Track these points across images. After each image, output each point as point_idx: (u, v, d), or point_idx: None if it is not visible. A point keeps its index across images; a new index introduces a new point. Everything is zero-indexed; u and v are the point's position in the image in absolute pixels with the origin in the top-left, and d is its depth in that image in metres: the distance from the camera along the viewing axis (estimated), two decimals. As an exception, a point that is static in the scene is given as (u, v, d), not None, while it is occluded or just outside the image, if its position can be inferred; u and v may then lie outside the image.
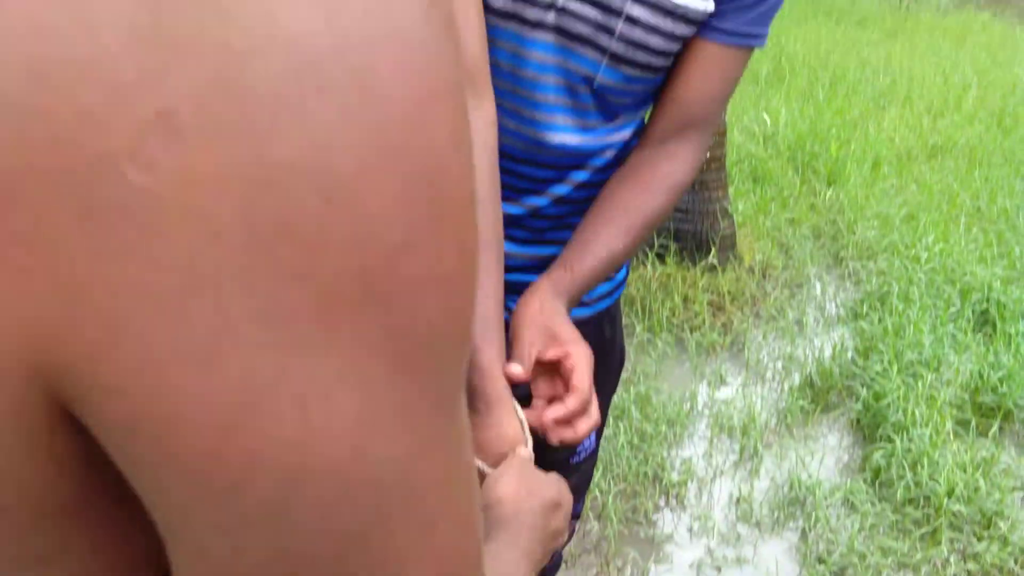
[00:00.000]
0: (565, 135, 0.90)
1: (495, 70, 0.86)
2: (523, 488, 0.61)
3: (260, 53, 0.17)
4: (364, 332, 0.20)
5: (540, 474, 0.65)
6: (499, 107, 0.87)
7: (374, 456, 0.21)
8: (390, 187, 0.19)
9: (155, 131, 0.17)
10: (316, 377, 0.19)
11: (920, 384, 2.57)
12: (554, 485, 0.64)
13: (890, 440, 2.38)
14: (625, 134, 0.96)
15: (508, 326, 0.78)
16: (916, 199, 4.09)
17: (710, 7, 0.85)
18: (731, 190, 3.83)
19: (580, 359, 0.75)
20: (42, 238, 0.17)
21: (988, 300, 3.11)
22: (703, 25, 0.86)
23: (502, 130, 0.88)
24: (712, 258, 3.31)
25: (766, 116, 5.06)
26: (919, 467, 2.27)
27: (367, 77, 0.18)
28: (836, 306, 3.27)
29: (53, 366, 0.19)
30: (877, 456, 2.34)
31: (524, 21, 0.84)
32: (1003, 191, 4.20)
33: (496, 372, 0.71)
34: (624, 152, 0.98)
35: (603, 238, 0.87)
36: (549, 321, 0.78)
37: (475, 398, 0.71)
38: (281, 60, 0.17)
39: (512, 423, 0.70)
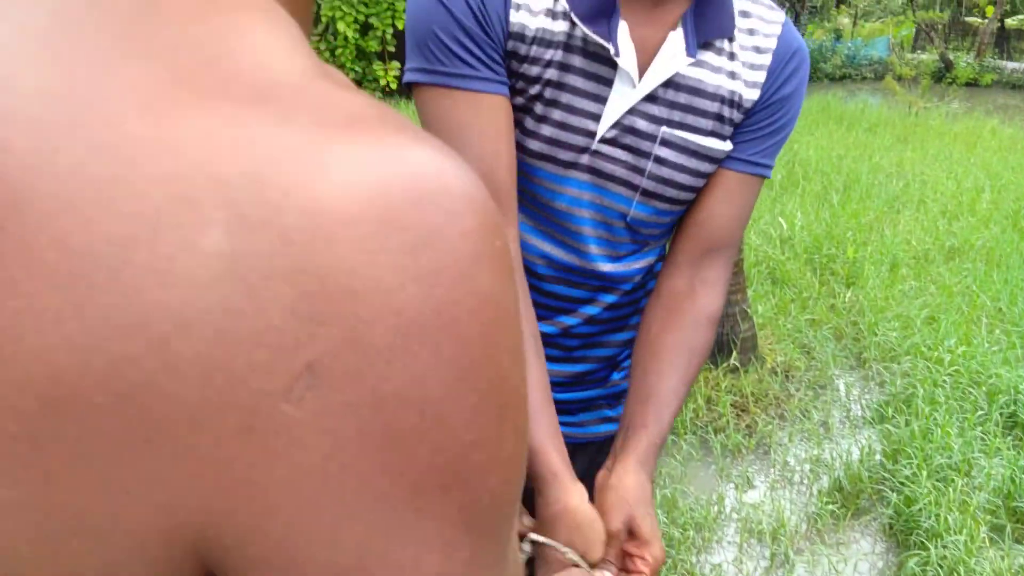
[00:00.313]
0: (598, 263, 0.95)
1: (533, 200, 0.92)
2: None
3: (379, 320, 0.24)
4: (444, 509, 0.26)
5: None
6: (537, 231, 0.94)
7: None
8: (467, 402, 0.26)
9: (303, 377, 0.23)
10: (409, 546, 0.26)
11: (951, 489, 2.53)
12: None
13: (924, 547, 2.33)
14: (651, 259, 1.01)
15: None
16: (936, 300, 4.11)
17: (729, 147, 0.92)
18: (750, 292, 3.89)
19: (653, 562, 0.80)
20: (210, 447, 0.24)
21: (1016, 403, 3.09)
22: (731, 157, 0.94)
23: (539, 253, 0.95)
24: (734, 360, 3.33)
25: (782, 220, 5.17)
26: (956, 575, 2.22)
27: (454, 329, 0.25)
28: (861, 408, 3.26)
29: (209, 542, 0.25)
30: (912, 564, 2.29)
31: (558, 162, 0.90)
32: (1023, 292, 4.22)
33: (547, 450, 0.76)
34: (648, 276, 1.03)
35: (669, 387, 0.90)
36: (634, 511, 0.82)
37: (531, 479, 0.75)
38: (393, 323, 0.24)
39: (576, 493, 0.76)
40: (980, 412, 3.03)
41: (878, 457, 2.84)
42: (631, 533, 0.81)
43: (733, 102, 0.90)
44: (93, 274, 0.23)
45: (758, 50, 0.91)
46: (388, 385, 0.24)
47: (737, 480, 2.76)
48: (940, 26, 26.33)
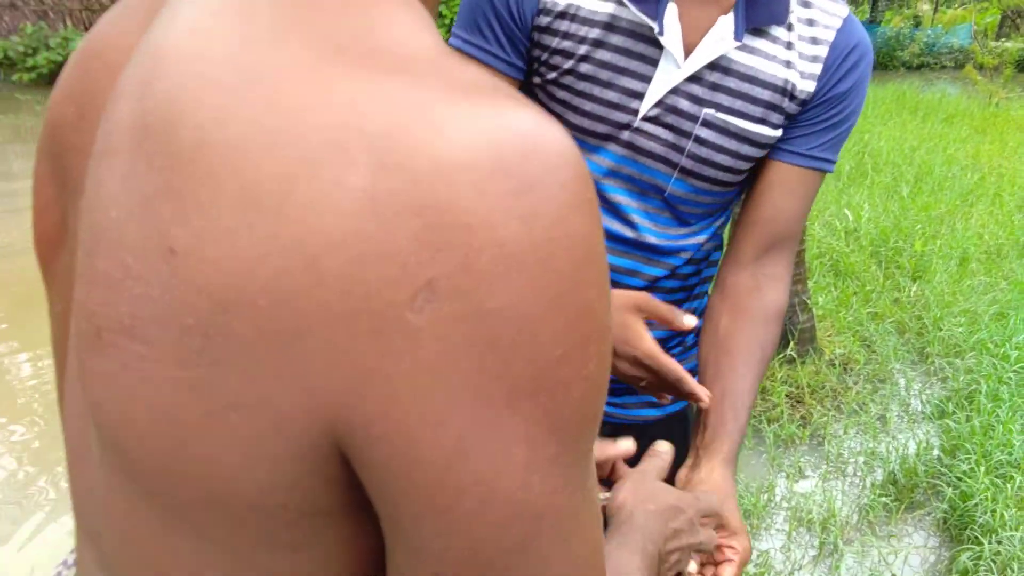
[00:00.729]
0: (645, 235, 0.98)
1: None
2: (638, 495, 0.70)
3: (486, 249, 0.28)
4: (532, 411, 0.30)
5: (659, 484, 0.73)
6: None
7: (534, 489, 0.31)
8: (558, 323, 0.30)
9: (424, 291, 0.28)
10: (501, 437, 0.30)
11: (1010, 486, 2.49)
12: (672, 493, 0.73)
13: (978, 542, 2.31)
14: (700, 239, 1.02)
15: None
16: (1006, 296, 4.00)
17: (778, 134, 0.93)
18: (811, 284, 3.85)
19: (743, 552, 0.82)
20: (347, 344, 0.29)
21: (1085, 402, 3.00)
22: (779, 149, 0.94)
23: None
24: (791, 351, 3.31)
25: (848, 212, 5.08)
26: (1009, 571, 2.19)
27: (549, 262, 0.29)
28: (921, 403, 3.21)
29: (341, 421, 0.30)
30: (964, 558, 2.27)
31: (596, 135, 0.93)
32: (1101, 290, 4.07)
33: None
34: (702, 260, 1.04)
35: (745, 386, 0.93)
36: (725, 506, 0.83)
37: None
38: (498, 252, 0.28)
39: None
40: (1046, 410, 2.96)
41: (936, 452, 2.81)
42: (720, 525, 0.82)
43: (787, 91, 0.91)
44: (263, 201, 0.29)
45: (815, 41, 0.92)
46: (491, 303, 0.28)
47: (789, 470, 2.76)
48: (1028, 12, 25.06)
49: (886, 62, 19.11)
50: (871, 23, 20.25)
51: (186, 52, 0.33)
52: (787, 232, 0.98)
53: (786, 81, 0.91)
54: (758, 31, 0.90)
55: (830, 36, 0.92)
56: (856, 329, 3.71)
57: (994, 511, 2.37)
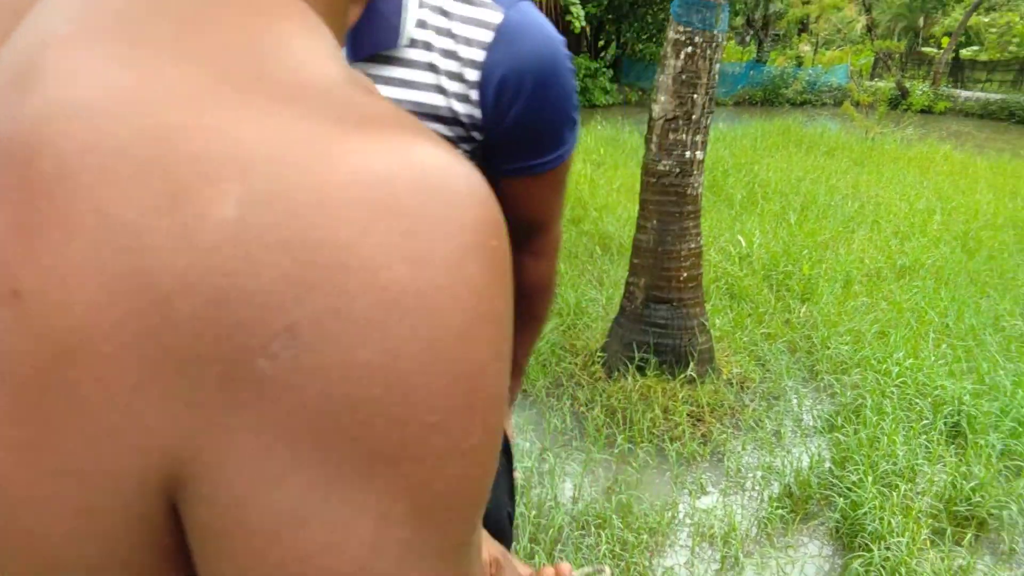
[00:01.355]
0: None
1: None
2: None
3: (363, 293, 0.25)
4: (390, 482, 0.27)
5: None
6: None
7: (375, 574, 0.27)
8: (437, 384, 0.27)
9: (282, 336, 0.25)
10: (347, 507, 0.26)
11: (895, 494, 2.62)
12: None
13: (868, 549, 2.42)
14: None
15: None
16: (887, 316, 4.25)
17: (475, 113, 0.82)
18: (708, 307, 3.98)
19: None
20: (191, 395, 0.26)
21: (959, 413, 3.21)
22: (496, 168, 0.88)
23: None
24: (691, 371, 3.41)
25: (741, 238, 5.30)
26: (897, 575, 2.30)
27: (436, 313, 0.26)
28: (812, 418, 3.35)
29: (176, 477, 0.27)
30: (856, 565, 2.36)
31: None
32: (969, 309, 4.38)
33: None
34: None
35: (521, 352, 0.97)
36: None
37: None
38: (376, 298, 0.26)
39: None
40: (925, 421, 3.14)
41: (827, 464, 2.93)
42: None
43: (454, 120, 0.81)
44: (119, 239, 0.26)
45: (458, 59, 0.79)
46: (360, 354, 0.25)
47: (691, 487, 2.83)
48: (897, 55, 27.07)
49: (772, 98, 20.19)
50: (758, 62, 21.38)
51: (60, 71, 0.30)
52: (542, 219, 0.96)
53: (448, 108, 0.80)
54: (382, 58, 0.79)
55: (477, 55, 0.79)
56: (751, 349, 3.85)
57: (882, 518, 2.49)
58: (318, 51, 0.33)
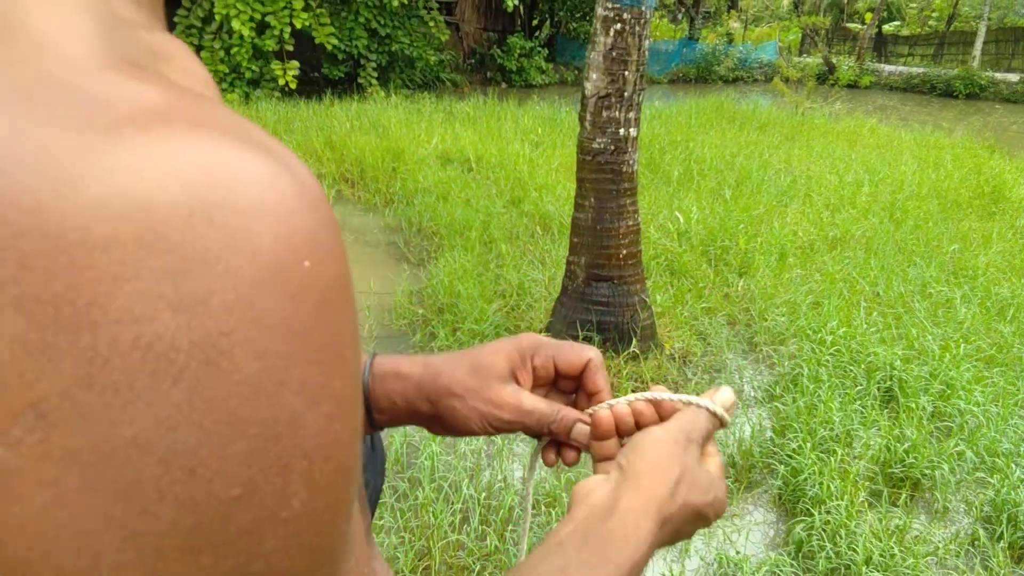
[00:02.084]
0: None
1: None
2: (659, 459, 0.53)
3: (120, 355, 0.21)
4: (195, 574, 0.22)
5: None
6: None
7: None
8: (232, 450, 0.22)
9: (24, 418, 0.20)
10: None
11: (833, 459, 2.70)
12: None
13: (809, 514, 2.48)
14: None
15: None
16: (820, 287, 4.36)
17: None
18: (649, 283, 4.02)
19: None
20: None
21: (891, 378, 3.32)
22: None
23: None
24: (634, 347, 3.44)
25: (679, 215, 5.36)
26: (838, 538, 2.37)
27: (220, 364, 0.22)
28: (753, 388, 3.43)
29: None
30: (798, 529, 2.43)
31: None
32: (898, 278, 4.52)
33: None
34: None
35: None
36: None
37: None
38: (139, 358, 0.21)
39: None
40: (859, 388, 3.24)
41: (768, 433, 3.00)
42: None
43: None
44: None
45: None
46: (125, 430, 0.21)
47: (638, 461, 2.86)
48: (823, 31, 27.72)
49: (705, 75, 20.46)
50: (690, 40, 21.63)
51: None
52: None
53: None
54: None
55: None
56: (692, 324, 3.91)
57: (821, 483, 2.56)
58: (77, 22, 0.26)
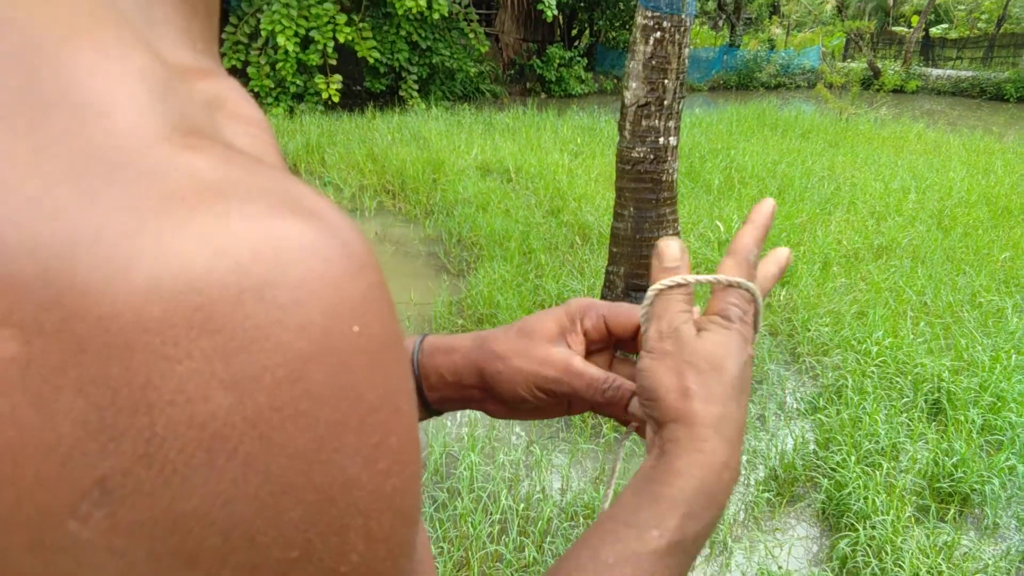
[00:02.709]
0: None
1: None
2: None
3: (177, 435, 0.22)
4: None
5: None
6: None
7: None
8: (287, 517, 0.23)
9: (91, 494, 0.22)
10: None
11: (879, 473, 2.65)
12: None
13: (854, 528, 2.44)
14: None
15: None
16: (865, 296, 4.29)
17: None
18: (689, 293, 3.99)
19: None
20: (5, 562, 0.23)
21: (939, 390, 3.24)
22: None
23: None
24: (674, 358, 3.42)
25: (719, 223, 5.31)
26: (884, 554, 2.33)
27: (273, 439, 0.23)
28: (795, 400, 3.38)
29: None
30: (843, 545, 2.39)
31: None
32: (946, 287, 4.42)
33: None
34: None
35: None
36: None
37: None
38: (194, 437, 0.22)
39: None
40: (906, 400, 3.17)
41: (811, 446, 2.95)
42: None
43: None
44: None
45: None
46: (185, 504, 0.22)
47: (678, 473, 2.84)
48: (868, 35, 27.29)
49: (746, 82, 20.26)
50: (731, 47, 21.45)
51: None
52: None
53: None
54: None
55: None
56: (733, 334, 3.86)
57: (866, 498, 2.52)
58: (133, 87, 0.26)
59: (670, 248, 0.53)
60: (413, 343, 0.59)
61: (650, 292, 0.51)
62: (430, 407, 0.60)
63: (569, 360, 0.56)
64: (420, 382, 0.59)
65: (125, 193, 0.22)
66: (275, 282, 0.23)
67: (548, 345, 0.56)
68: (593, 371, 0.56)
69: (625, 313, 0.57)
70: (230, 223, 0.23)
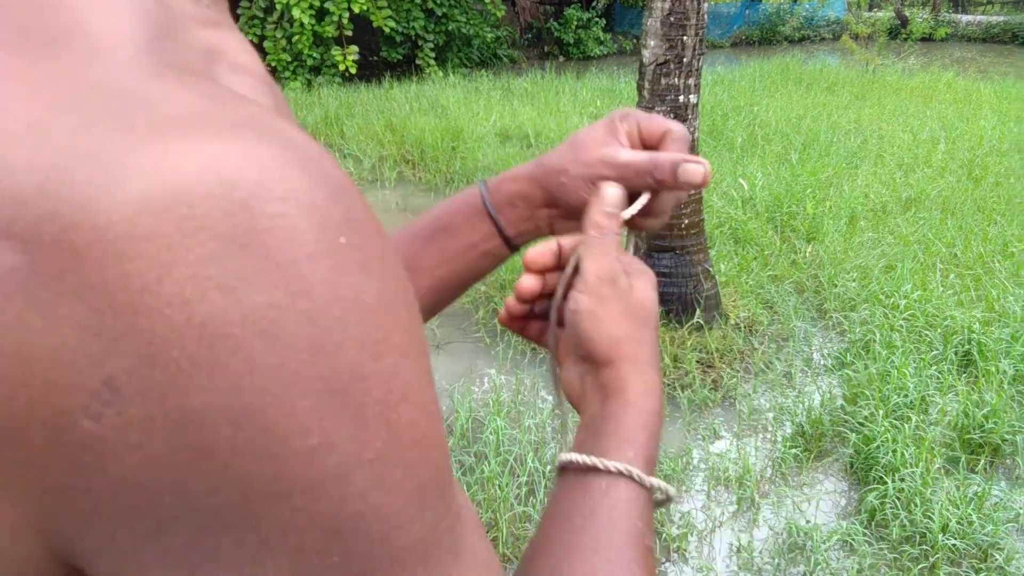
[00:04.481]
0: None
1: None
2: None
3: (177, 335, 0.23)
4: (287, 516, 0.25)
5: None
6: None
7: None
8: (301, 406, 0.24)
9: (100, 394, 0.23)
10: (245, 547, 0.25)
11: (907, 426, 2.63)
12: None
13: (882, 481, 2.43)
14: None
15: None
16: (893, 250, 4.22)
17: None
18: (712, 252, 3.96)
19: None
20: (28, 460, 0.24)
21: (969, 342, 3.20)
22: None
23: None
24: (698, 318, 3.40)
25: (743, 181, 5.24)
26: (913, 506, 2.32)
27: (272, 334, 0.24)
28: (822, 356, 3.35)
29: (55, 538, 0.26)
30: (871, 498, 2.38)
31: None
32: (977, 237, 4.34)
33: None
34: None
35: None
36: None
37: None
38: (195, 335, 0.23)
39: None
40: (935, 352, 3.14)
41: (839, 401, 2.94)
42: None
43: None
44: None
45: None
46: (193, 400, 0.23)
47: (704, 432, 2.84)
48: (895, -17, 26.50)
49: (769, 37, 19.83)
50: (753, 1, 20.98)
51: None
52: None
53: None
54: None
55: None
56: (758, 292, 3.84)
57: (895, 451, 2.50)
58: (129, 29, 0.28)
59: (613, 194, 0.57)
60: (478, 191, 0.63)
61: (592, 233, 0.55)
62: (510, 242, 0.64)
63: (616, 154, 0.59)
64: (498, 221, 0.64)
65: (120, 120, 0.24)
66: (262, 195, 0.24)
67: (598, 147, 0.60)
68: (638, 158, 0.60)
69: (656, 123, 0.61)
70: (218, 144, 0.24)
